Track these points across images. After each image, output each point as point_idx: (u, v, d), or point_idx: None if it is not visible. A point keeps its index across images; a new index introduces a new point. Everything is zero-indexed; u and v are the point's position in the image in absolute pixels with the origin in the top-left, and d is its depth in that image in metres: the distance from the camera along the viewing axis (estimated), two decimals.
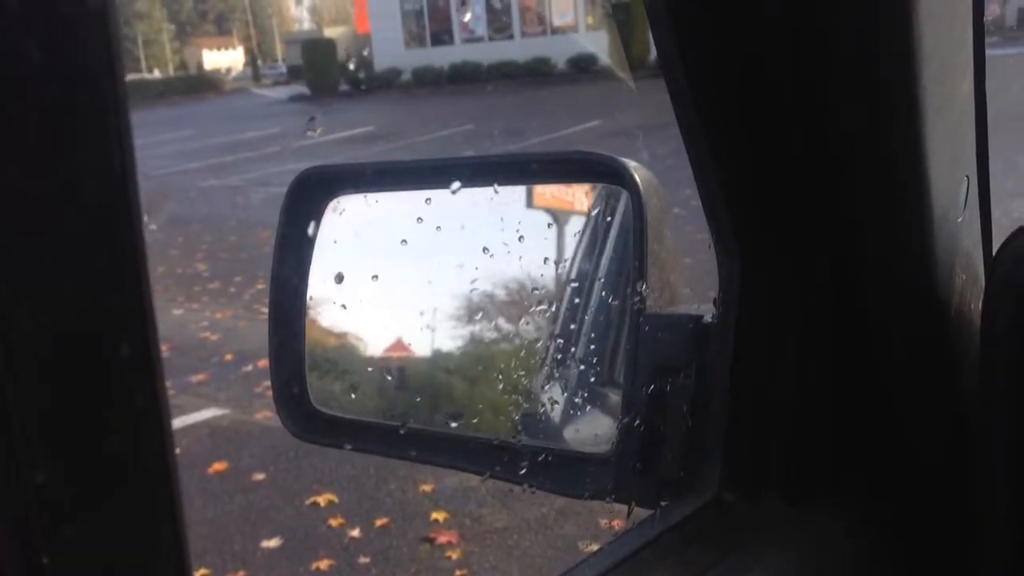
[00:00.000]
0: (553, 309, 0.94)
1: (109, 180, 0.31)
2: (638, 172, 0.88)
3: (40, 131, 0.30)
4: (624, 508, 0.85)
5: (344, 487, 4.50)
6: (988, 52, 0.81)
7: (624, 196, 0.91)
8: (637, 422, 0.82)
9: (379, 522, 4.17)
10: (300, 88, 34.34)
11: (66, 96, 0.30)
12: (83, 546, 0.33)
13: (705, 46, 0.68)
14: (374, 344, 1.02)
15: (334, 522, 4.20)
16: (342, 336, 1.03)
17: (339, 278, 0.99)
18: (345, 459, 4.68)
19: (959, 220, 0.81)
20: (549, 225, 0.96)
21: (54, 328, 0.31)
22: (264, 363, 5.36)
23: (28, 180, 0.29)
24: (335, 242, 1.01)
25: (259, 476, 4.71)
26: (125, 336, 0.33)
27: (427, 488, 4.38)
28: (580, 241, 0.95)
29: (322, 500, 4.38)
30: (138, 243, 0.33)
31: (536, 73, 28.89)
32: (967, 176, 0.81)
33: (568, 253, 0.94)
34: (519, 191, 0.97)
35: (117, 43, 0.31)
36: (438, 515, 4.16)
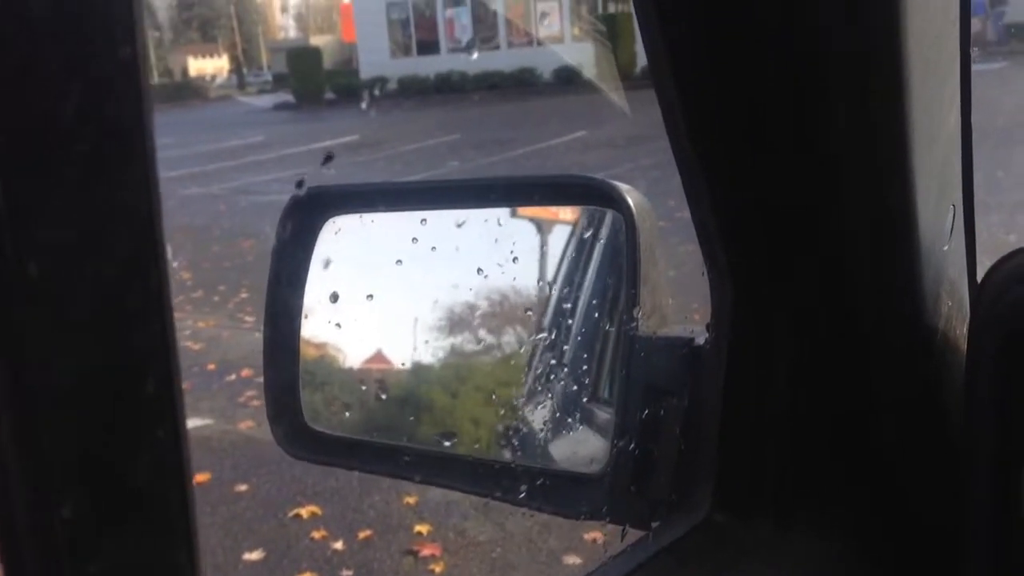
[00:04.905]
0: (545, 328, 0.95)
1: (137, 227, 0.33)
2: (631, 195, 0.90)
3: (74, 180, 0.31)
4: (610, 523, 0.86)
5: (327, 499, 4.48)
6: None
7: (609, 214, 0.92)
8: (631, 444, 0.83)
9: (362, 534, 4.16)
10: (285, 96, 34.31)
11: (99, 148, 0.31)
12: None
13: (700, 77, 0.69)
14: (368, 363, 1.03)
15: (317, 534, 4.19)
16: (336, 355, 1.04)
17: (334, 297, 1.00)
18: (329, 471, 4.66)
19: (945, 249, 0.83)
20: (544, 232, 0.97)
21: (84, 365, 0.32)
22: (247, 373, 5.34)
23: (63, 227, 0.31)
24: (330, 262, 1.02)
25: (242, 487, 4.69)
26: (150, 372, 0.34)
27: (410, 500, 4.37)
28: (568, 260, 0.96)
29: (305, 512, 4.36)
30: (163, 285, 0.34)
31: (522, 83, 28.98)
32: (953, 205, 0.83)
33: (559, 271, 0.96)
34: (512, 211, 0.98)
35: (147, 97, 0.32)
36: (421, 527, 4.15)
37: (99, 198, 0.32)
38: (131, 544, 0.35)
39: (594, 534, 3.84)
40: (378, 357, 1.03)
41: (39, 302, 0.31)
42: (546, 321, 0.94)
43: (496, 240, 0.96)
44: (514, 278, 0.94)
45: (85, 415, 0.33)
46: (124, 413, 0.34)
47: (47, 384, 0.32)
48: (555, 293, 0.95)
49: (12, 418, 0.32)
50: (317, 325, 1.01)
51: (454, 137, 18.62)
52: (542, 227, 0.98)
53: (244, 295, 8.19)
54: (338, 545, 4.10)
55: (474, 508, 4.22)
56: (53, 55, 0.30)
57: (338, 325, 1.01)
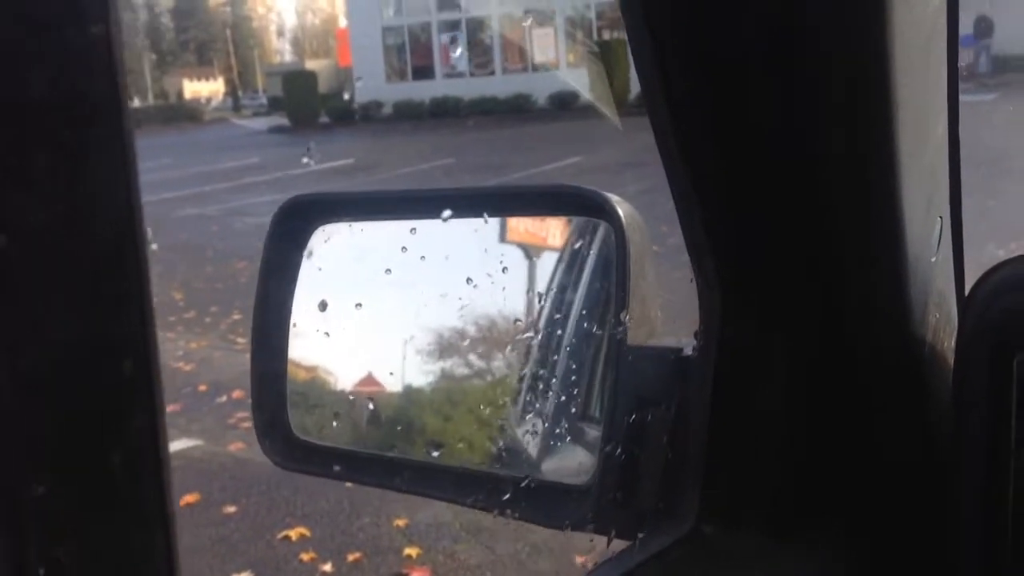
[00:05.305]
0: (534, 342, 0.94)
1: (115, 208, 0.32)
2: (621, 206, 0.90)
3: (49, 161, 0.30)
4: (601, 543, 0.86)
5: (317, 521, 4.45)
6: (962, 98, 0.84)
7: (600, 231, 0.92)
8: (618, 451, 0.83)
9: (351, 557, 4.13)
10: (280, 119, 34.45)
11: (74, 127, 0.31)
12: (78, 562, 0.34)
13: (689, 84, 0.70)
14: (356, 373, 1.03)
15: (306, 556, 4.15)
16: (324, 364, 1.04)
17: (323, 306, 1.00)
18: (318, 492, 4.64)
19: (933, 260, 0.83)
20: (533, 258, 0.97)
21: (61, 348, 0.32)
22: (239, 394, 5.31)
23: (38, 209, 0.30)
24: (320, 270, 1.01)
25: (230, 509, 4.66)
26: (128, 356, 0.34)
27: (400, 523, 4.35)
28: (559, 274, 0.96)
29: (294, 534, 4.33)
30: (143, 268, 0.34)
31: (517, 109, 29.16)
32: (940, 217, 0.84)
33: (549, 281, 0.96)
34: (497, 223, 0.98)
35: (122, 74, 0.32)
36: (411, 550, 4.13)
37: (74, 178, 0.31)
38: (106, 527, 0.34)
39: (584, 558, 3.82)
40: (368, 367, 1.02)
41: (10, 281, 0.31)
42: (536, 332, 0.94)
43: (486, 250, 0.96)
44: (503, 288, 0.94)
45: (59, 396, 0.32)
46: (100, 396, 0.34)
47: (18, 364, 0.31)
48: (545, 303, 0.95)
49: None
50: (305, 333, 1.01)
51: (449, 161, 18.68)
52: (528, 249, 0.97)
53: (236, 316, 8.17)
54: (327, 567, 4.06)
55: (464, 531, 4.19)
56: (20, 32, 0.30)
57: (326, 334, 1.00)
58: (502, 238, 0.97)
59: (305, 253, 1.00)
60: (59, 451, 0.33)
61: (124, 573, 0.35)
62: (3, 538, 0.33)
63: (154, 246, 0.36)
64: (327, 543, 4.26)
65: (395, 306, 0.99)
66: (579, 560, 3.86)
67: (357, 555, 4.14)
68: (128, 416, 0.34)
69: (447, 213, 0.91)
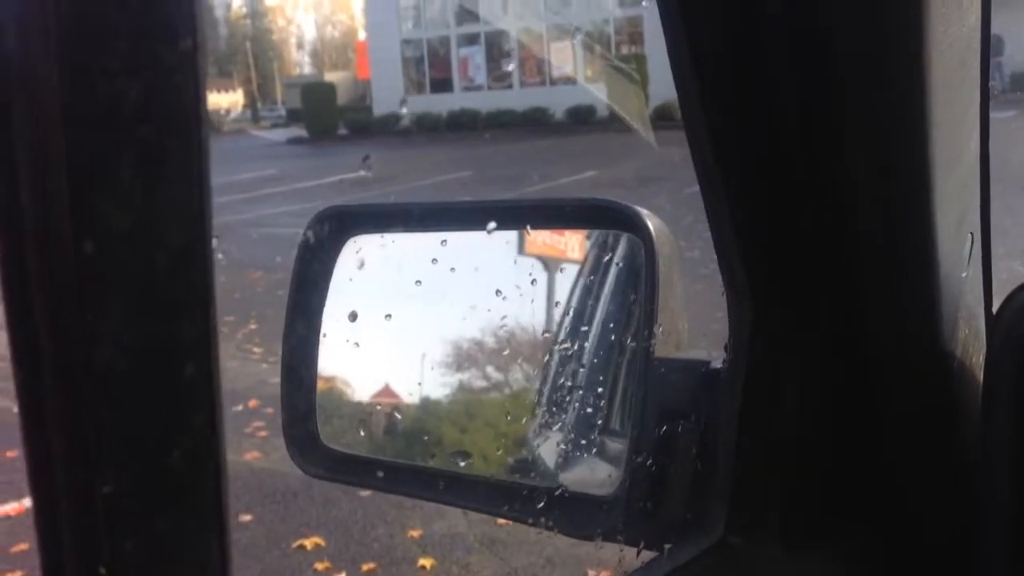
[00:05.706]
0: (557, 353, 0.95)
1: (188, 217, 0.34)
2: (651, 220, 0.91)
3: (134, 169, 0.32)
4: (613, 557, 0.86)
5: (331, 530, 4.46)
6: None
7: (623, 243, 0.93)
8: (648, 462, 0.83)
9: (366, 567, 4.13)
10: (299, 131, 34.61)
11: (159, 136, 0.32)
12: (139, 557, 0.34)
13: (726, 98, 0.71)
14: (385, 382, 1.03)
15: (320, 566, 4.16)
16: (354, 374, 1.04)
17: (353, 316, 1.01)
18: (333, 502, 4.65)
19: (963, 276, 0.83)
20: (552, 271, 0.98)
21: (129, 349, 0.33)
22: (254, 403, 5.29)
23: (120, 213, 0.31)
24: (350, 280, 1.02)
25: (246, 517, 4.67)
26: (191, 360, 0.35)
27: (415, 533, 4.35)
28: (581, 286, 0.97)
29: (309, 543, 4.34)
30: (209, 275, 0.35)
31: (534, 122, 29.22)
32: (971, 233, 0.84)
33: (570, 298, 0.96)
34: (515, 236, 0.98)
35: (204, 86, 0.33)
36: (425, 561, 4.12)
37: (155, 186, 0.33)
38: (164, 526, 0.35)
39: (597, 571, 3.80)
40: (396, 377, 1.03)
41: (91, 281, 0.32)
42: (560, 343, 0.95)
43: (515, 261, 0.97)
44: (532, 300, 0.95)
45: (127, 395, 0.33)
46: (164, 397, 0.35)
47: (92, 361, 0.32)
48: (572, 315, 0.95)
49: (57, 393, 0.33)
50: (335, 343, 1.02)
51: (466, 174, 18.73)
52: (546, 261, 0.98)
53: (253, 326, 8.19)
54: None
55: (478, 542, 4.19)
56: (120, 46, 0.31)
57: (356, 344, 1.01)
58: (520, 250, 0.98)
59: (336, 264, 1.02)
60: (125, 448, 0.34)
61: (183, 568, 0.36)
62: (73, 532, 0.34)
63: (219, 255, 0.37)
64: (342, 553, 4.26)
65: (425, 317, 1.00)
66: (592, 574, 3.85)
67: (371, 565, 4.14)
68: (189, 418, 0.35)
69: (492, 225, 0.92)
